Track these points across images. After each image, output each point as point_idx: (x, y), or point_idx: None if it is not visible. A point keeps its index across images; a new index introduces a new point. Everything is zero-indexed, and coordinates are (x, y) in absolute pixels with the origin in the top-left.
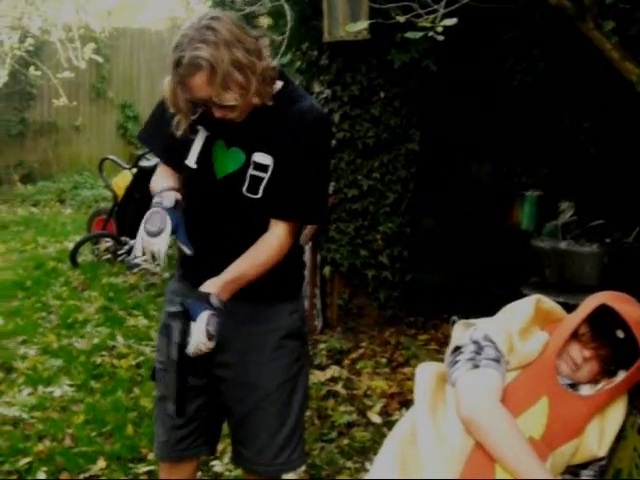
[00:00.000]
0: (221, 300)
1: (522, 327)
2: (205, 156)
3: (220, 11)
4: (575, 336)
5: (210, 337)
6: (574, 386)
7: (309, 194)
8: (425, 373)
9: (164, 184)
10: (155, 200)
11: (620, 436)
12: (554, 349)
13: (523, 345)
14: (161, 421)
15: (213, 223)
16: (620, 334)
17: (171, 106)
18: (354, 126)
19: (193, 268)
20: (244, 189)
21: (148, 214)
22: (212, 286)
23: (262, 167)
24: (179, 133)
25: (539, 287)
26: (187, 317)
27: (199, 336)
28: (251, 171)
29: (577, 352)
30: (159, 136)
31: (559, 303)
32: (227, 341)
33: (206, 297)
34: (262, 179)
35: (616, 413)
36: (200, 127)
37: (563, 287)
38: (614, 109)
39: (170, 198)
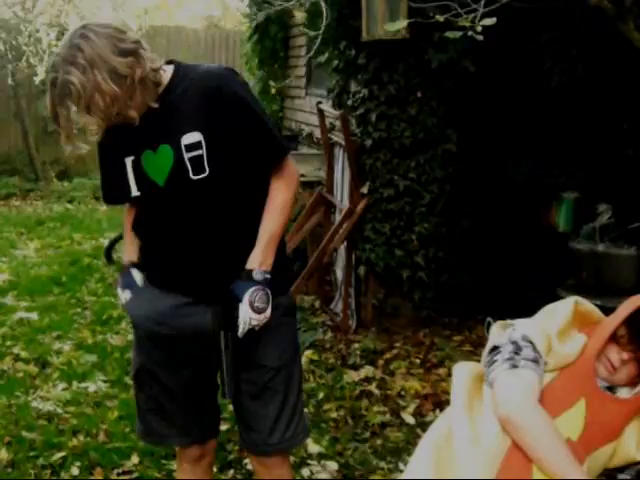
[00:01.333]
0: (265, 270)
1: (561, 328)
2: (140, 176)
3: (92, 25)
4: (613, 338)
5: (259, 310)
6: (612, 389)
7: (265, 130)
8: (462, 372)
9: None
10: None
11: None
12: (592, 351)
13: (562, 346)
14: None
15: (185, 229)
16: None
17: (53, 121)
18: (391, 126)
19: (186, 281)
20: (190, 175)
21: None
22: (254, 261)
23: (195, 146)
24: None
25: (576, 289)
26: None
27: (245, 315)
28: (187, 155)
29: (615, 354)
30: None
31: (596, 306)
32: None
33: (248, 275)
34: (201, 156)
35: None
36: (125, 159)
37: (600, 290)
38: None
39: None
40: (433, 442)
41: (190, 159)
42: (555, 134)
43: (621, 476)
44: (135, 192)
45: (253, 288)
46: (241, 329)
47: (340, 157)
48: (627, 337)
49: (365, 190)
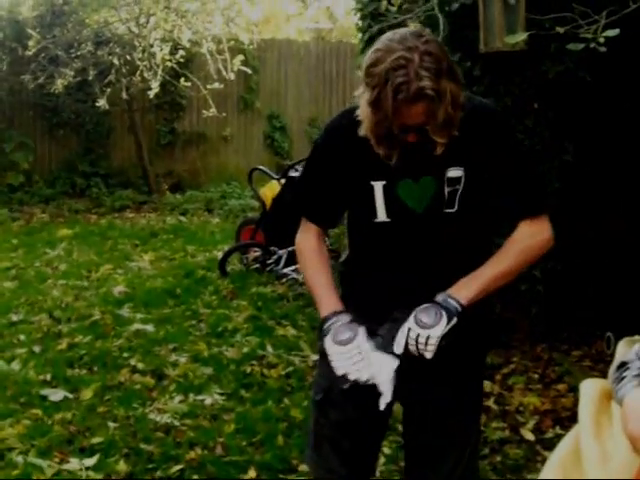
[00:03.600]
0: (456, 298)
1: None
2: (393, 203)
3: (426, 30)
4: None
5: (422, 325)
6: None
7: (526, 182)
8: (589, 389)
9: (330, 300)
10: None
11: None
12: None
13: None
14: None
15: (416, 256)
16: None
17: (370, 131)
18: None
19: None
20: (444, 207)
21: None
22: (463, 298)
23: (455, 180)
24: (393, 162)
25: None
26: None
27: (406, 325)
28: (447, 188)
29: None
30: (316, 201)
31: None
32: None
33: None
34: (456, 191)
35: None
36: (373, 182)
37: None
38: None
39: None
40: (560, 461)
41: (448, 192)
42: None
43: None
44: (384, 218)
45: (428, 304)
46: (397, 339)
47: None
48: None
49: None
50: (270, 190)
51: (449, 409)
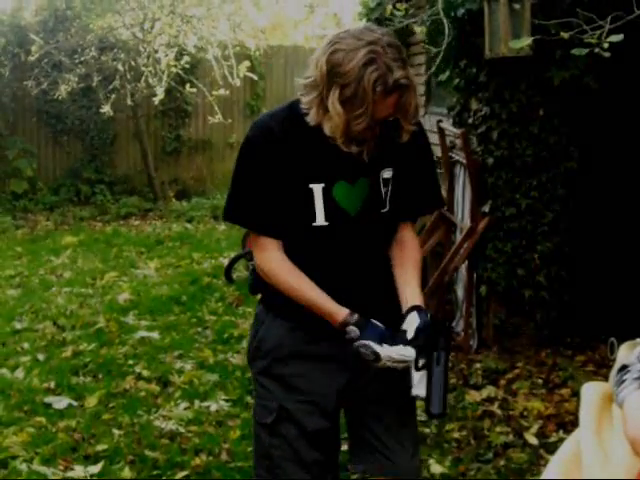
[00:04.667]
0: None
1: None
2: (330, 206)
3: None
4: None
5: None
6: None
7: (434, 186)
8: (590, 392)
9: (336, 306)
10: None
11: None
12: None
13: None
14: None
15: (352, 257)
16: None
17: (340, 129)
18: (512, 144)
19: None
20: (380, 207)
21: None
22: (418, 300)
23: (386, 181)
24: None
25: None
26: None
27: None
28: (382, 189)
29: None
30: (269, 215)
31: None
32: None
33: (421, 309)
34: (387, 192)
35: None
36: (312, 185)
37: None
38: None
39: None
40: (561, 464)
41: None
42: None
43: None
44: (323, 221)
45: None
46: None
47: (461, 176)
48: None
49: (486, 209)
50: None
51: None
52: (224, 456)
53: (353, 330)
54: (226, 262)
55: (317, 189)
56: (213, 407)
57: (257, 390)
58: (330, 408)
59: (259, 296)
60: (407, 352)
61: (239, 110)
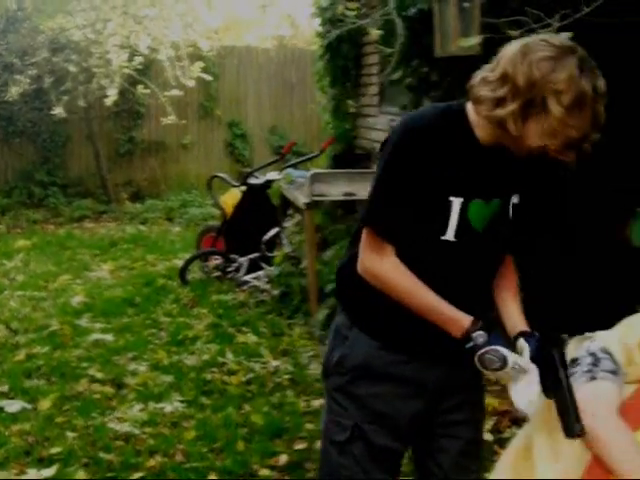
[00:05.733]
0: None
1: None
2: (462, 222)
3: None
4: None
5: None
6: None
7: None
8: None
9: (460, 314)
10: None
11: None
12: None
13: None
14: None
15: (465, 274)
16: None
17: (559, 138)
18: None
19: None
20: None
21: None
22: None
23: (514, 207)
24: None
25: None
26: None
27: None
28: (510, 213)
29: None
30: (401, 220)
31: None
32: None
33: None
34: (512, 218)
35: None
36: (452, 198)
37: None
38: None
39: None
40: (512, 457)
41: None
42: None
43: None
44: (452, 237)
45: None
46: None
47: None
48: None
49: None
50: (230, 197)
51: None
52: (179, 457)
53: (481, 335)
54: (180, 264)
55: (456, 203)
56: (168, 408)
57: (330, 406)
58: (403, 432)
59: (337, 306)
60: (529, 364)
61: (193, 111)
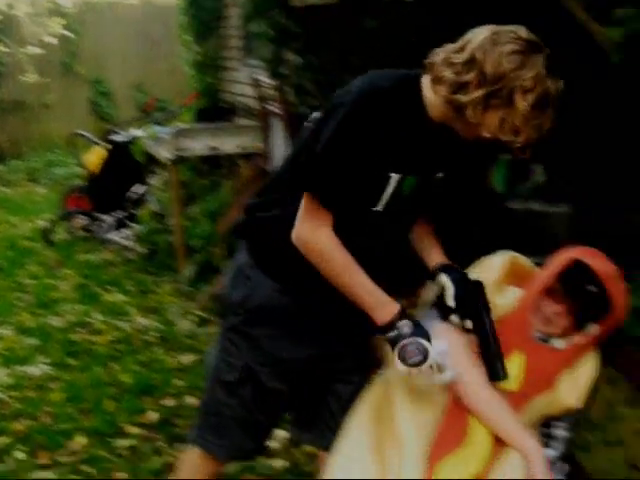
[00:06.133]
0: None
1: (496, 280)
2: (394, 196)
3: None
4: (547, 292)
5: None
6: (547, 340)
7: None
8: None
9: (387, 300)
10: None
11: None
12: (526, 303)
13: (497, 298)
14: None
15: (385, 241)
16: (592, 288)
17: (522, 132)
18: (327, 94)
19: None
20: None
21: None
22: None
23: (437, 182)
24: None
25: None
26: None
27: None
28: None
29: (549, 307)
30: (344, 191)
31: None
32: None
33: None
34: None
35: (587, 365)
36: (392, 173)
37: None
38: None
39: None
40: (372, 402)
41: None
42: None
43: (559, 425)
44: (380, 207)
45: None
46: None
47: (277, 126)
48: (560, 290)
49: None
50: (94, 156)
51: None
52: (46, 419)
53: (407, 325)
54: (45, 225)
55: (394, 178)
56: (34, 371)
57: (223, 345)
58: (294, 375)
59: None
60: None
61: (54, 69)
